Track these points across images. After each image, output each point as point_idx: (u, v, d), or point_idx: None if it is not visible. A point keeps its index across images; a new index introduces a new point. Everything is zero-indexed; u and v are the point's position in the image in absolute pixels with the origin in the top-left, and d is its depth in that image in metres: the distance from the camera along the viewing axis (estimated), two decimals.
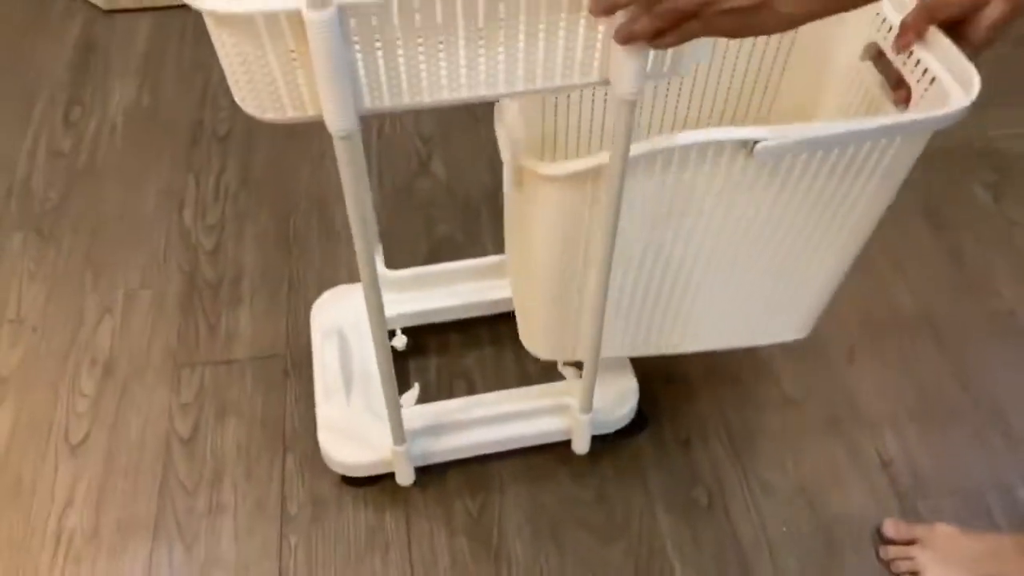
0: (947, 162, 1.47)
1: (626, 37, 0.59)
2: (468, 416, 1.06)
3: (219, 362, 1.21)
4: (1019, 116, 1.56)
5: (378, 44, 0.59)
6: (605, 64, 0.64)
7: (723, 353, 1.21)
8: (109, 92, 1.60)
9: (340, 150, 0.65)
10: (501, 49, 0.61)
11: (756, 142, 0.75)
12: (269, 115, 0.63)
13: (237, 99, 0.62)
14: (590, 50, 0.63)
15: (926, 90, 0.81)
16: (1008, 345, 1.24)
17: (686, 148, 0.75)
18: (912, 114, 0.79)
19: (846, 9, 0.56)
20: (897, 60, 0.84)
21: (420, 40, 0.59)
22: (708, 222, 0.84)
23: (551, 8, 0.59)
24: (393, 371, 0.89)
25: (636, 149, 0.74)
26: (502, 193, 0.91)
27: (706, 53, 0.66)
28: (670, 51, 0.63)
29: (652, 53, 0.63)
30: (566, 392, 1.07)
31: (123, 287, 1.29)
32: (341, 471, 1.07)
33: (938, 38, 0.77)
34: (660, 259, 0.88)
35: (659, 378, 1.19)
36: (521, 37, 0.61)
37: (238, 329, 1.24)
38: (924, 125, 0.77)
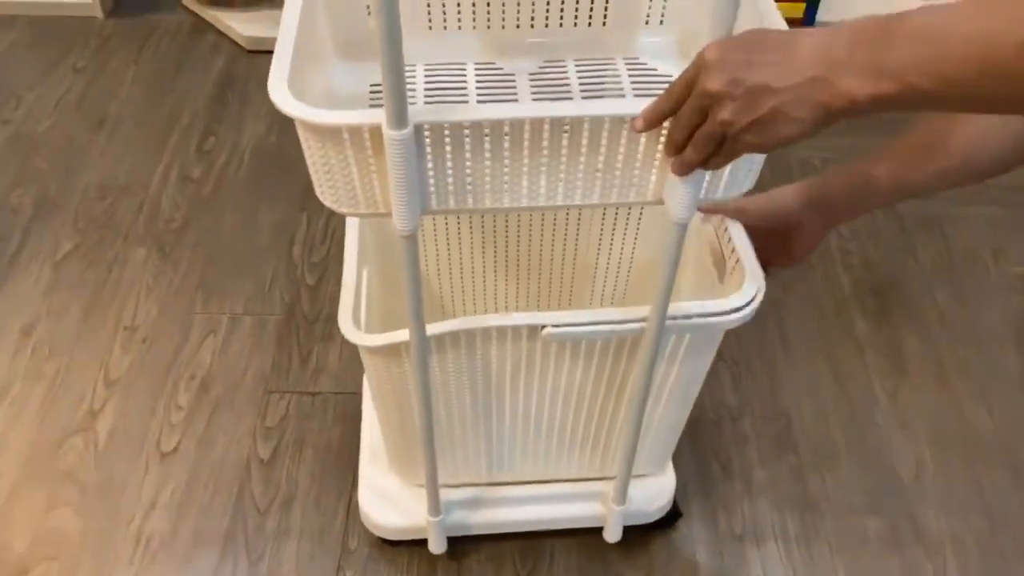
0: None
1: (681, 169, 0.64)
2: (504, 494, 1.09)
3: (305, 392, 1.29)
4: None
5: (448, 155, 0.65)
6: (660, 185, 0.68)
7: (786, 453, 1.23)
8: (242, 127, 1.73)
9: (403, 248, 0.70)
10: (563, 165, 0.67)
11: (543, 327, 0.83)
12: (344, 210, 0.69)
13: (317, 192, 0.69)
14: (647, 172, 0.68)
15: (732, 269, 0.87)
16: None
17: (486, 330, 0.83)
18: (683, 306, 0.83)
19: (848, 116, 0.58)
20: (716, 228, 0.92)
21: (488, 153, 0.65)
22: (524, 390, 0.92)
23: (612, 135, 0.65)
24: (434, 450, 0.93)
25: (437, 328, 0.82)
26: None
27: (751, 177, 0.71)
28: (724, 174, 0.68)
29: (707, 176, 0.68)
30: (602, 480, 1.09)
31: (229, 311, 1.39)
32: (375, 532, 1.11)
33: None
34: (488, 412, 0.95)
35: (719, 469, 1.21)
36: (582, 157, 0.66)
37: (327, 364, 1.32)
38: (682, 327, 0.84)
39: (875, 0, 2.09)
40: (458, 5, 0.87)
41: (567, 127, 0.64)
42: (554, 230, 1.12)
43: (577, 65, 0.89)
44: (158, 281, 1.43)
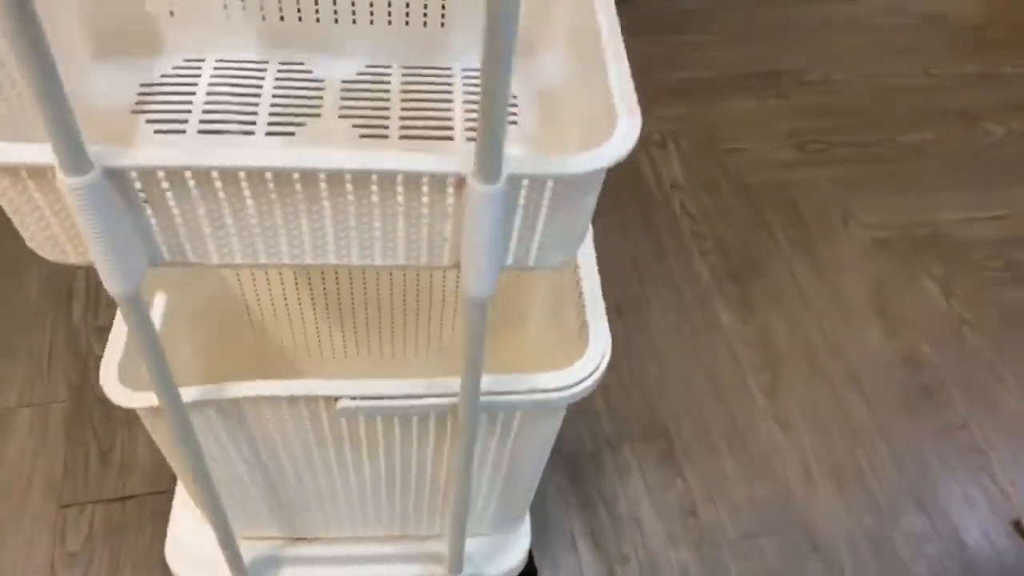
0: (893, 254, 1.42)
1: None
2: (312, 552, 0.93)
3: (112, 500, 1.06)
4: (969, 200, 1.53)
5: (172, 203, 0.48)
6: (456, 249, 0.52)
7: (672, 479, 1.14)
8: None
9: (124, 312, 0.53)
10: (327, 220, 0.50)
11: (337, 399, 0.68)
12: (55, 258, 0.51)
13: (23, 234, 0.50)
14: (440, 231, 0.51)
15: (579, 327, 0.75)
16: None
17: (253, 400, 0.67)
18: (504, 380, 0.68)
19: None
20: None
21: (225, 204, 0.48)
22: (323, 461, 0.77)
23: (383, 188, 0.48)
24: (220, 506, 0.75)
25: (191, 394, 0.66)
26: None
27: (572, 248, 0.56)
28: (535, 243, 0.53)
29: (513, 243, 0.52)
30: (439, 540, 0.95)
31: (0, 406, 1.13)
32: None
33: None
34: (282, 480, 0.80)
35: (604, 510, 1.10)
36: (351, 211, 0.50)
37: (135, 457, 1.09)
38: (507, 404, 0.70)
39: None
40: None
41: (323, 181, 0.47)
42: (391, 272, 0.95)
43: (404, 74, 0.71)
44: None
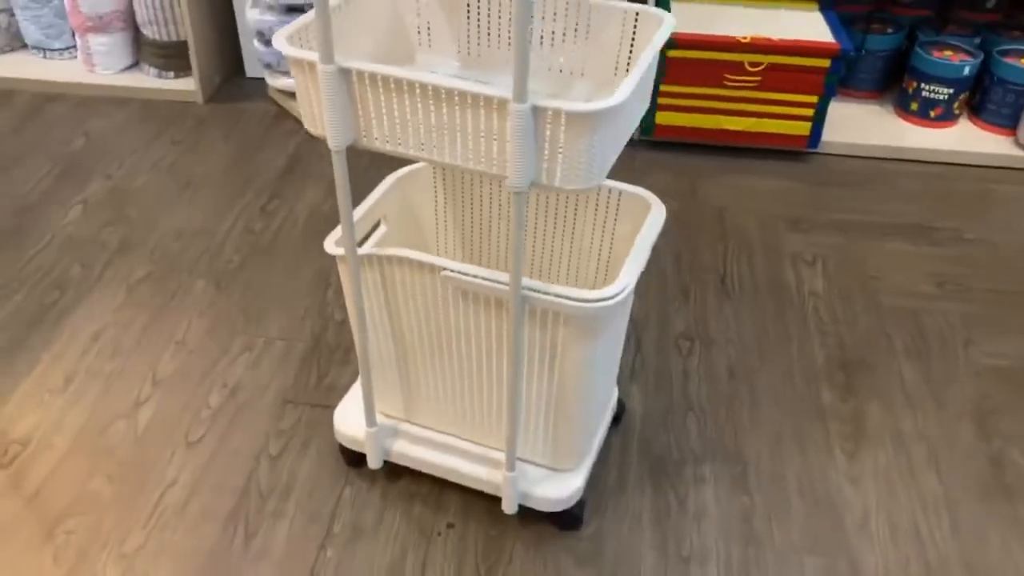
0: None
1: None
2: (416, 432, 1.30)
3: (317, 405, 1.47)
4: None
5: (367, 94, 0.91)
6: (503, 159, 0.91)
7: (740, 495, 1.34)
8: (302, 195, 2.00)
9: (335, 163, 0.99)
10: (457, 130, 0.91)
11: (443, 269, 1.06)
12: (312, 131, 0.97)
13: (305, 123, 0.98)
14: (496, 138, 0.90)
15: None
16: None
17: (399, 259, 1.10)
18: (547, 286, 1.03)
19: None
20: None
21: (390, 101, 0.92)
22: (434, 324, 1.15)
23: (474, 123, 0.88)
24: (368, 359, 1.17)
25: (364, 250, 1.11)
26: None
27: (588, 178, 0.90)
28: (558, 166, 0.88)
29: (545, 164, 0.89)
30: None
31: (264, 335, 1.61)
32: (338, 439, 1.34)
33: None
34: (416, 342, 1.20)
35: (676, 504, 1.33)
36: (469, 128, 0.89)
37: (339, 384, 1.51)
38: (547, 304, 1.04)
39: (877, 120, 2.28)
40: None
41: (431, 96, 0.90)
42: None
43: None
44: (210, 307, 1.66)
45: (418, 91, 0.89)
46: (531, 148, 0.88)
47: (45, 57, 2.46)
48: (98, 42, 2.35)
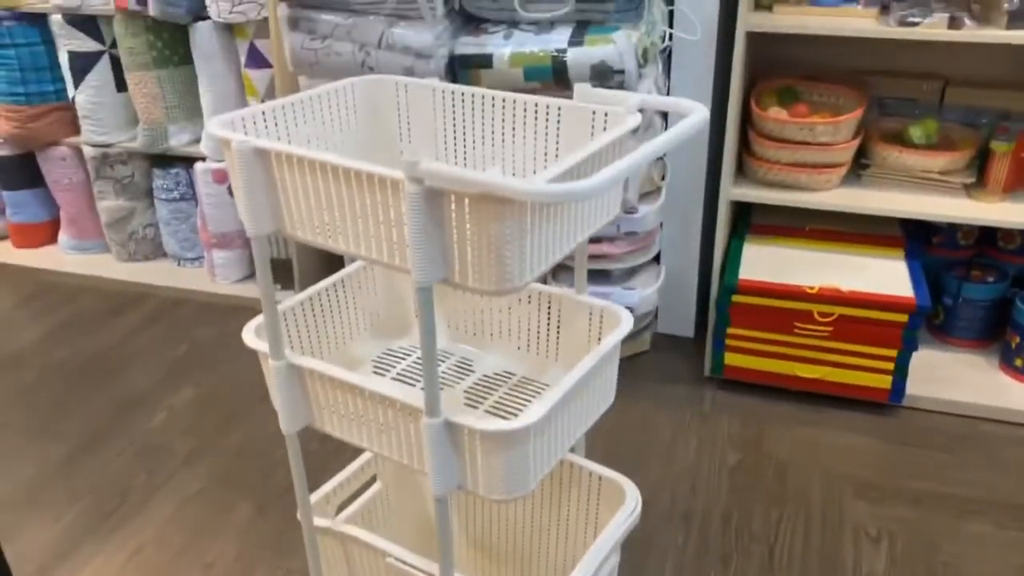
0: None
1: None
2: None
3: None
4: None
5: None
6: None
7: None
8: None
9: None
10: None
11: None
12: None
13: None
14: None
15: None
16: None
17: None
18: None
19: None
20: None
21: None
22: None
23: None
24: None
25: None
26: None
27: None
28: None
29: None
30: None
31: (286, 567, 1.62)
32: None
33: None
34: None
35: None
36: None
37: None
38: None
39: (976, 374, 2.10)
40: None
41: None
42: None
43: None
44: (247, 532, 1.71)
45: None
46: (449, 456, 0.88)
47: (179, 265, 2.76)
48: (220, 256, 2.61)
